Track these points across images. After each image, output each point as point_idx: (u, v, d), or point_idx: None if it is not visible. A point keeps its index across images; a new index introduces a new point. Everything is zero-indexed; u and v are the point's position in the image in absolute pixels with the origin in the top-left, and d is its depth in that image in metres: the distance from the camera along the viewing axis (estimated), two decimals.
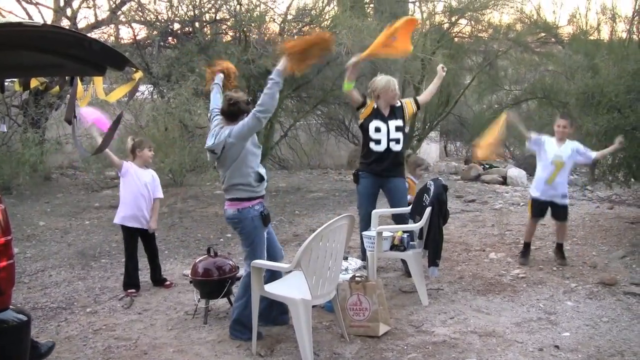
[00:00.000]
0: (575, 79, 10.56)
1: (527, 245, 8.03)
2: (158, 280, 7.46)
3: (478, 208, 11.48)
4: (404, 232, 6.87)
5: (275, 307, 5.89)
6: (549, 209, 7.78)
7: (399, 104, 7.46)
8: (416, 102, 7.57)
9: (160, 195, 7.51)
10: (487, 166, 17.29)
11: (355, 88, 7.41)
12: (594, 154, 7.64)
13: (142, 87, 12.25)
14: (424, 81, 14.24)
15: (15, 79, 7.19)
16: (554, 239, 8.48)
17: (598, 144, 8.61)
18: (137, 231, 7.32)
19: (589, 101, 9.02)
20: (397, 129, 7.34)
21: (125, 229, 7.30)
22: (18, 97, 14.00)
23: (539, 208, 7.84)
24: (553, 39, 15.81)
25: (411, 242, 6.88)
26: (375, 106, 7.38)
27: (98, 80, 6.21)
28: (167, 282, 7.46)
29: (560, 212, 7.77)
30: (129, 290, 7.17)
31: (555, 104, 12.64)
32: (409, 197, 7.59)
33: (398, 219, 7.48)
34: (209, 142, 5.65)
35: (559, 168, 7.52)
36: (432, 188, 6.70)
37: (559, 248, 7.95)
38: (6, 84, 6.56)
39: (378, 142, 7.34)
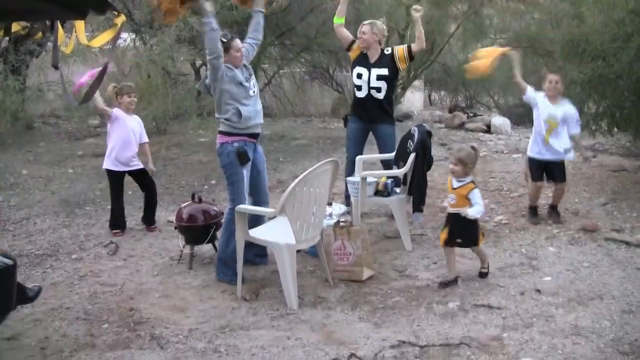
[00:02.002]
0: (561, 27, 10.49)
1: (533, 209, 7.61)
2: (148, 220, 7.57)
3: None
4: (388, 177, 6.89)
5: (253, 248, 5.94)
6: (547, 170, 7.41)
7: (389, 50, 7.41)
8: (409, 48, 7.36)
9: (146, 139, 7.61)
10: (472, 114, 17.29)
11: (343, 25, 7.44)
12: (574, 132, 7.25)
13: (124, 35, 12.12)
14: (409, 28, 14.14)
15: None
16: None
17: (582, 92, 8.59)
18: (124, 174, 7.43)
19: (574, 49, 8.96)
20: (379, 77, 7.28)
21: (114, 174, 7.38)
22: None
23: (537, 169, 7.40)
24: None
25: (395, 188, 6.91)
26: (364, 51, 7.35)
27: (80, 25, 6.10)
28: (154, 226, 7.54)
29: (556, 172, 7.34)
30: (115, 231, 7.25)
31: (541, 52, 12.59)
32: None
33: (385, 164, 7.51)
34: None
35: (552, 128, 7.19)
36: (416, 134, 6.70)
37: (553, 209, 7.56)
38: None
39: (359, 88, 7.35)
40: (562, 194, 7.49)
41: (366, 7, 11.89)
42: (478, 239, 5.74)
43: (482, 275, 5.84)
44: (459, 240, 5.67)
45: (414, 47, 7.32)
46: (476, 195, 5.58)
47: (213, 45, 5.50)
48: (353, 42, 7.47)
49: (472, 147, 5.77)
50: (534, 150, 7.41)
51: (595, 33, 8.53)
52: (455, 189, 5.67)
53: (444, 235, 5.71)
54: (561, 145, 7.20)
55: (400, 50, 7.38)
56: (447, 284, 5.63)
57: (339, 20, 7.42)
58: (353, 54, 7.47)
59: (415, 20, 7.39)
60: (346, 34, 7.50)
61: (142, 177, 7.56)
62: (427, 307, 5.24)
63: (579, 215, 7.54)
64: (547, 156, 7.28)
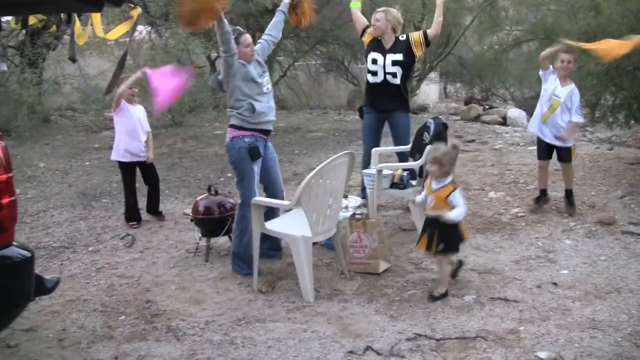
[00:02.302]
0: (577, 19, 10.45)
1: (542, 192, 7.60)
2: (154, 211, 7.62)
3: (478, 148, 11.46)
4: (404, 170, 6.88)
5: (266, 241, 5.95)
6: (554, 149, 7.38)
7: (404, 37, 7.39)
8: (425, 33, 7.33)
9: (149, 128, 7.65)
10: (488, 107, 17.23)
11: (360, 10, 7.53)
12: (575, 120, 7.15)
13: (139, 27, 12.14)
14: (424, 20, 14.10)
15: (10, 17, 7.11)
16: (553, 178, 8.51)
17: (599, 84, 8.54)
18: (134, 165, 7.48)
19: (591, 41, 8.92)
20: (394, 62, 7.26)
21: (123, 165, 7.44)
22: (14, 38, 13.86)
23: (542, 148, 7.43)
24: None
25: (411, 180, 6.90)
26: (378, 37, 7.35)
27: (96, 18, 6.13)
28: (162, 214, 7.63)
29: (561, 153, 7.34)
30: (131, 223, 7.29)
31: (557, 44, 12.53)
32: None
33: (401, 156, 7.50)
34: None
35: (554, 107, 7.16)
36: (432, 126, 6.69)
37: (567, 195, 7.48)
38: (2, 23, 6.49)
39: (374, 73, 7.33)
40: (569, 174, 7.42)
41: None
42: (459, 245, 5.39)
43: (432, 298, 5.26)
44: (441, 246, 5.26)
45: (430, 32, 7.29)
46: (456, 197, 5.18)
47: (227, 45, 5.52)
48: (367, 27, 7.48)
49: (453, 145, 5.35)
50: (533, 124, 7.48)
51: (612, 24, 8.47)
52: (434, 191, 5.30)
53: (423, 241, 5.36)
54: (556, 128, 7.16)
55: (415, 35, 7.36)
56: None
57: (355, 4, 7.45)
58: (366, 39, 7.47)
59: (438, 4, 7.35)
60: (361, 19, 7.54)
61: (148, 170, 7.61)
62: (443, 300, 5.23)
63: (596, 208, 7.50)
64: (545, 135, 7.26)
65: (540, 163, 7.51)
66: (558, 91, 7.10)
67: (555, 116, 7.13)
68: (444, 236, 5.23)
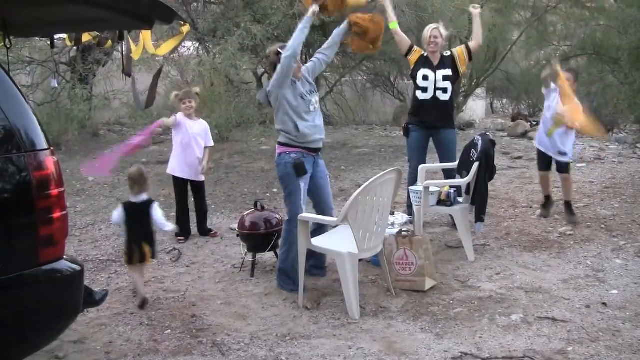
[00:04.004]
0: (628, 34, 10.30)
1: (546, 198, 8.01)
2: (205, 230, 7.66)
3: (525, 165, 11.36)
4: (451, 187, 6.84)
5: (311, 258, 5.93)
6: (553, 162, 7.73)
7: (449, 53, 7.41)
8: (467, 47, 7.43)
9: (211, 143, 7.70)
10: (534, 123, 17.05)
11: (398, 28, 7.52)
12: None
13: (187, 43, 12.29)
14: (471, 36, 14.03)
15: (64, 35, 7.25)
16: (602, 196, 8.41)
17: None
18: (187, 182, 7.55)
19: None
20: (445, 78, 7.31)
21: (176, 180, 7.52)
22: (66, 54, 14.12)
23: (541, 160, 7.80)
24: None
25: (458, 198, 6.85)
26: (425, 54, 7.35)
27: (146, 34, 6.23)
28: (213, 232, 7.67)
29: (560, 165, 7.63)
30: (179, 238, 7.34)
31: (606, 59, 12.36)
32: None
33: (447, 173, 7.47)
34: None
35: (558, 124, 7.34)
36: (479, 143, 6.64)
37: (567, 206, 7.79)
38: (55, 40, 6.62)
39: (425, 90, 7.33)
40: (569, 186, 7.75)
41: (429, 15, 11.81)
42: None
43: None
44: None
45: (472, 44, 7.44)
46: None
47: (296, 44, 5.54)
48: (412, 46, 7.47)
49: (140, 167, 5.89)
50: (537, 139, 7.82)
51: None
52: None
53: None
54: (562, 144, 7.41)
55: (459, 50, 7.45)
56: None
57: (393, 25, 7.42)
58: (413, 57, 7.46)
59: (474, 16, 7.48)
60: (405, 38, 7.54)
61: (199, 189, 7.67)
62: (490, 318, 5.17)
63: None
64: (548, 148, 7.55)
65: (541, 174, 7.88)
66: (560, 109, 7.21)
67: (560, 132, 7.37)
68: None
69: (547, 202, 7.99)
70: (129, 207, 5.70)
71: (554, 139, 7.41)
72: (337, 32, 6.15)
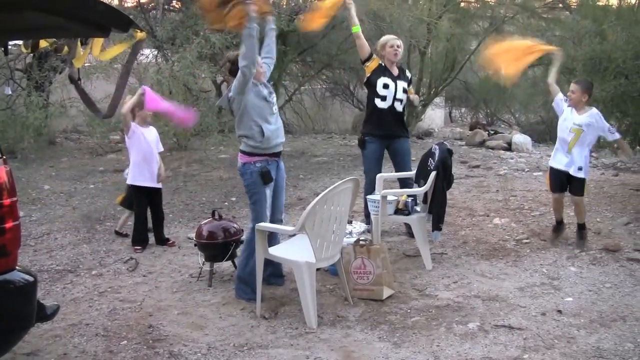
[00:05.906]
0: (583, 45, 10.44)
1: (558, 223, 7.45)
2: (162, 239, 7.61)
3: (482, 174, 11.46)
4: (409, 196, 6.87)
5: (268, 267, 5.91)
6: (567, 182, 7.18)
7: (405, 69, 7.52)
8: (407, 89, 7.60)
9: (162, 148, 7.72)
10: (492, 132, 17.23)
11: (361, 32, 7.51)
12: (611, 137, 7.14)
13: (146, 51, 12.19)
14: (430, 46, 14.14)
15: (19, 41, 7.15)
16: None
17: (605, 110, 8.53)
18: (147, 191, 7.49)
19: (596, 67, 8.92)
20: (403, 90, 7.44)
21: (137, 189, 7.45)
22: (22, 61, 13.94)
23: (556, 180, 7.21)
24: (560, 4, 15.62)
25: (415, 207, 6.88)
26: (382, 64, 7.40)
27: (97, 40, 6.15)
28: (170, 241, 7.62)
29: (575, 185, 7.09)
30: (136, 247, 7.30)
31: (562, 70, 12.52)
32: None
33: (403, 182, 7.51)
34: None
35: (578, 136, 6.96)
36: (437, 152, 6.68)
37: (579, 229, 7.26)
38: (10, 47, 6.54)
39: (384, 98, 7.38)
40: (581, 208, 7.20)
41: (387, 25, 11.88)
42: None
43: None
44: None
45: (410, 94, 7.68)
46: None
47: (251, 53, 5.47)
48: (372, 54, 7.50)
49: None
50: (555, 158, 7.24)
51: (617, 50, 8.50)
52: None
53: None
54: (581, 158, 7.00)
55: (409, 78, 7.72)
56: None
57: (356, 29, 7.41)
58: (372, 65, 7.47)
59: (412, 100, 7.72)
60: (366, 44, 7.51)
61: (156, 197, 7.62)
62: (447, 327, 5.19)
63: (601, 235, 7.49)
64: (567, 166, 7.04)
65: (555, 196, 7.33)
66: (577, 120, 6.97)
67: (581, 144, 7.00)
68: None
69: (559, 227, 7.45)
70: None
71: (573, 155, 7.00)
72: (270, 30, 6.07)
